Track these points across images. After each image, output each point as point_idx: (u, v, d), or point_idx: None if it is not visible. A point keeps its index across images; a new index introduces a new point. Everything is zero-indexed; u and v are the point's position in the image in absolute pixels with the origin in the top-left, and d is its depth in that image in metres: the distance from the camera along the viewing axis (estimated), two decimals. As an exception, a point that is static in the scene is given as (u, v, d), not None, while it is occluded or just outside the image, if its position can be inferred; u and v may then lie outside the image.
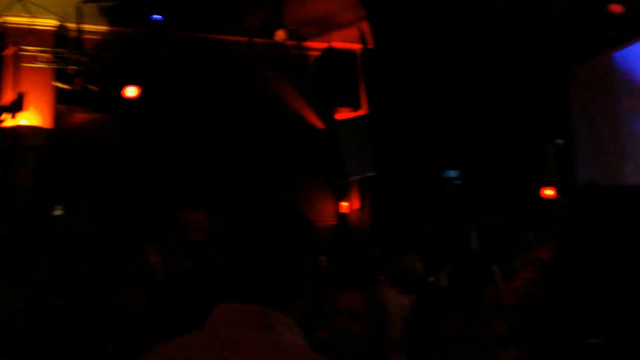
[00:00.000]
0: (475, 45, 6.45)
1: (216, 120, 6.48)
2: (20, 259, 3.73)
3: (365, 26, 7.28)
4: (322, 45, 7.22)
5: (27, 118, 6.03)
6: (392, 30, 6.76)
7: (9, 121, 5.98)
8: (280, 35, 6.77)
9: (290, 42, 7.00)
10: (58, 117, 6.21)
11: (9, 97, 6.06)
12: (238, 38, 6.94)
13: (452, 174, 6.97)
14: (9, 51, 6.13)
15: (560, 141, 6.74)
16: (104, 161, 5.99)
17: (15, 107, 5.97)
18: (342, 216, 7.10)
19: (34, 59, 5.97)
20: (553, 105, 6.93)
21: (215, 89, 6.52)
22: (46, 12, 6.05)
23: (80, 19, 5.84)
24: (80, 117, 6.23)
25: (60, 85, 5.91)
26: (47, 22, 6.21)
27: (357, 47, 7.35)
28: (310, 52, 7.40)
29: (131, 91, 5.99)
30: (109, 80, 5.88)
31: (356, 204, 7.07)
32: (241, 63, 6.84)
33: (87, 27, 6.09)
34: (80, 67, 5.85)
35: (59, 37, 6.24)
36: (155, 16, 6.03)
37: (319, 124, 7.31)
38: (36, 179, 5.91)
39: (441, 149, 6.77)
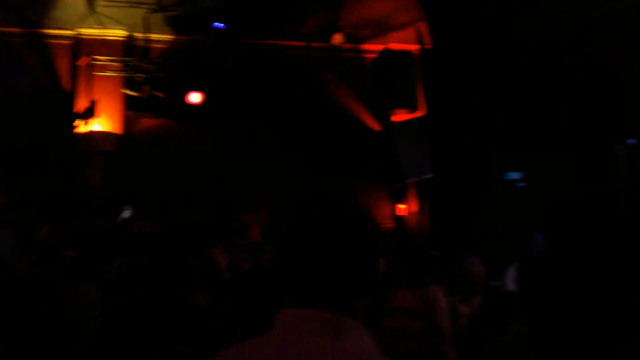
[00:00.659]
0: (539, 42, 6.23)
1: (275, 124, 6.61)
2: (94, 257, 3.95)
3: (422, 27, 7.20)
4: (379, 47, 7.21)
5: (99, 124, 6.38)
6: (450, 30, 6.65)
7: (82, 127, 6.37)
8: (337, 38, 6.83)
9: (347, 46, 7.04)
10: (127, 123, 6.54)
11: (82, 104, 6.44)
12: (296, 43, 7.04)
13: (515, 175, 6.75)
14: (82, 61, 6.51)
15: (633, 141, 6.38)
16: (169, 164, 6.23)
17: (88, 114, 6.34)
18: (399, 219, 7.03)
19: (105, 68, 6.31)
20: (623, 104, 6.58)
21: (274, 93, 6.65)
22: (116, 23, 6.39)
23: (147, 29, 6.13)
24: (147, 122, 6.52)
25: (129, 92, 6.24)
26: (117, 33, 6.55)
27: (414, 48, 7.27)
28: (367, 55, 7.41)
29: (195, 97, 6.22)
30: (174, 87, 6.13)
31: (414, 206, 6.98)
32: (299, 67, 6.93)
33: (153, 36, 6.40)
34: (147, 75, 6.15)
35: (127, 46, 6.58)
36: (216, 24, 6.23)
37: (376, 126, 7.29)
38: (107, 181, 6.24)
39: (502, 149, 6.58)
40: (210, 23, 6.21)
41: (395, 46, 7.15)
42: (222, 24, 6.24)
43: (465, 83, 6.52)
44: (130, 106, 6.29)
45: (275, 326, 0.96)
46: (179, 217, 5.45)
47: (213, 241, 3.81)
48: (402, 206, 6.93)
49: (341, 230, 0.99)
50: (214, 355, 0.99)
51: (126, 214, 5.56)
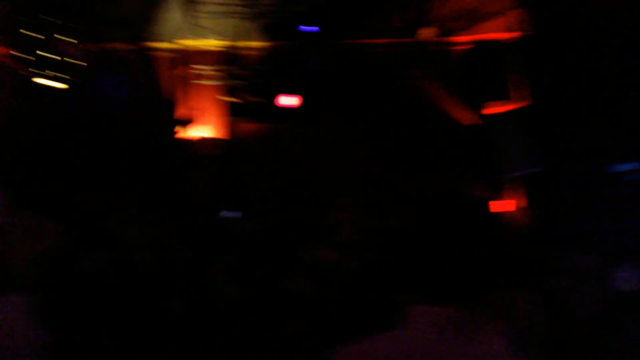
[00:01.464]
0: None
1: (366, 122, 6.63)
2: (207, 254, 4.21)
3: (518, 14, 6.88)
4: (470, 38, 6.99)
5: (201, 130, 6.77)
6: (549, 15, 6.30)
7: (183, 133, 6.79)
8: (426, 33, 6.71)
9: (436, 39, 6.90)
10: (227, 128, 6.88)
11: (182, 112, 6.86)
12: (384, 40, 7.01)
13: (629, 167, 6.25)
14: (181, 71, 6.94)
15: None
16: (268, 165, 6.47)
17: (188, 121, 6.75)
18: (499, 215, 6.77)
19: (203, 77, 6.69)
20: None
21: (364, 91, 6.67)
22: (212, 33, 6.73)
23: (242, 38, 6.39)
24: (245, 126, 6.82)
25: (227, 99, 6.57)
26: (213, 43, 6.89)
27: (508, 36, 6.96)
28: (458, 47, 7.20)
29: (288, 100, 6.41)
30: (269, 91, 6.36)
31: (517, 202, 6.69)
32: (388, 64, 6.90)
33: (248, 44, 6.67)
34: (243, 81, 6.44)
35: (225, 55, 6.92)
36: (306, 27, 6.36)
37: (470, 120, 7.07)
38: (212, 184, 6.62)
39: (614, 139, 6.12)
40: (300, 27, 6.36)
41: (487, 36, 6.89)
42: (312, 27, 6.37)
43: (569, 69, 6.14)
44: (231, 112, 6.62)
45: (404, 323, 0.95)
46: (278, 215, 5.65)
47: (314, 239, 3.92)
48: (503, 202, 6.66)
49: (468, 226, 0.99)
50: (345, 345, 0.99)
51: (231, 213, 5.84)
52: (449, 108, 7.12)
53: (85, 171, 5.81)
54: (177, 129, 6.77)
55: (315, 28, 6.21)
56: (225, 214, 5.77)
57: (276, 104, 6.38)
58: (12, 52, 4.90)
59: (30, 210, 1.38)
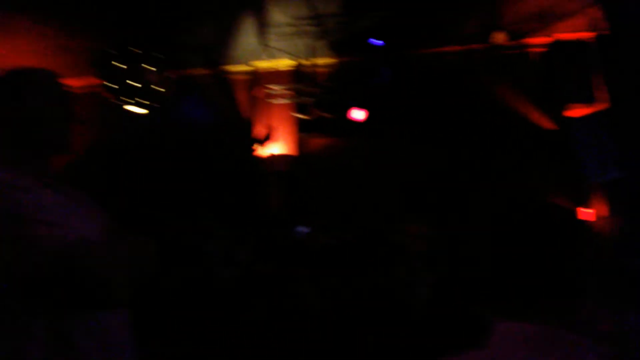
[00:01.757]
0: None
1: (438, 132, 6.56)
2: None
3: (595, 12, 6.55)
4: (546, 39, 6.74)
5: (276, 147, 7.02)
6: (628, 11, 5.95)
7: (261, 151, 7.06)
8: (499, 37, 6.55)
9: (509, 43, 6.72)
10: (300, 145, 7.08)
11: (259, 130, 7.14)
12: (454, 48, 6.93)
13: None
14: (258, 92, 7.24)
15: None
16: (338, 180, 6.57)
17: (265, 139, 7.02)
18: (582, 223, 6.41)
19: (277, 96, 6.95)
20: None
21: (435, 101, 6.60)
22: (285, 54, 6.98)
23: (312, 56, 6.58)
24: (317, 142, 6.99)
25: (299, 116, 6.77)
26: (286, 63, 7.14)
27: (586, 36, 6.65)
28: (532, 49, 6.97)
29: (357, 114, 6.49)
30: (339, 106, 6.48)
31: (601, 210, 6.31)
32: (459, 72, 6.80)
33: (318, 61, 6.85)
34: (314, 98, 6.62)
35: (295, 74, 7.15)
36: (374, 41, 6.42)
37: (549, 125, 6.79)
38: (285, 199, 6.82)
39: None
40: (370, 40, 6.44)
41: (564, 36, 6.62)
42: (380, 41, 6.42)
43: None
44: (302, 129, 6.81)
45: (491, 340, 0.91)
46: (349, 229, 5.71)
47: (389, 254, 3.92)
48: (587, 210, 6.31)
49: (557, 238, 0.94)
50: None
51: (303, 228, 5.98)
52: (527, 113, 6.89)
53: (169, 190, 6.19)
54: (254, 147, 7.06)
55: (381, 42, 6.25)
56: (299, 228, 5.91)
57: (347, 118, 6.48)
58: (103, 82, 5.35)
59: (126, 229, 1.53)
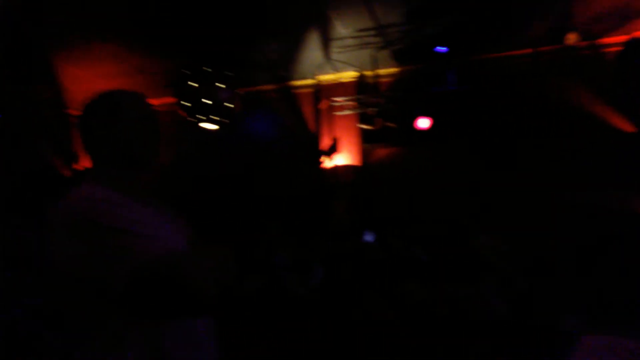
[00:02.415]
0: None
1: (508, 139, 6.38)
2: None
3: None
4: (622, 38, 6.39)
5: (341, 158, 7.09)
6: None
7: (327, 163, 7.16)
8: (571, 38, 6.29)
9: (582, 43, 6.43)
10: (364, 155, 7.11)
11: (325, 142, 7.24)
12: (522, 51, 6.72)
13: None
14: (323, 105, 7.35)
15: None
16: (404, 189, 6.53)
17: (331, 150, 7.10)
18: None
19: (342, 108, 7.03)
20: None
21: (503, 107, 6.43)
22: (348, 66, 7.06)
23: (375, 66, 6.61)
24: (381, 152, 6.99)
25: (364, 126, 6.81)
26: (349, 75, 7.23)
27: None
28: (608, 49, 6.63)
29: (423, 122, 6.44)
30: (404, 115, 6.46)
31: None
32: (528, 76, 6.59)
33: (381, 72, 6.88)
34: (378, 109, 6.64)
35: (359, 85, 7.21)
36: (439, 48, 6.36)
37: (628, 127, 6.42)
38: (352, 209, 6.86)
39: None
40: (433, 49, 6.39)
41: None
42: (444, 48, 6.35)
43: None
44: (366, 139, 6.85)
45: (579, 355, 0.89)
46: (417, 240, 5.65)
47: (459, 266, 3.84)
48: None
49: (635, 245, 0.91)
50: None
51: (369, 237, 5.98)
52: (604, 116, 6.56)
53: (240, 202, 6.41)
54: (322, 159, 7.17)
55: (446, 49, 6.17)
56: (366, 236, 5.92)
57: (412, 127, 6.44)
58: (178, 101, 5.65)
59: (205, 240, 1.63)
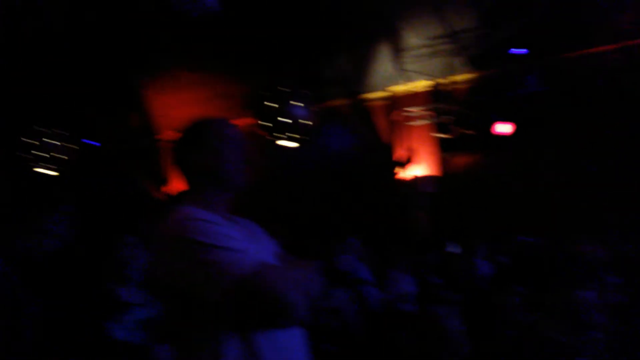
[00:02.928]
0: None
1: (596, 141, 6.02)
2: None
3: None
4: None
5: (418, 169, 7.02)
6: None
7: (402, 173, 7.11)
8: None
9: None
10: (443, 164, 7.00)
11: (400, 153, 7.21)
12: (607, 47, 6.34)
13: None
14: (396, 115, 7.34)
15: None
16: (486, 197, 6.33)
17: (406, 161, 7.06)
18: None
19: (416, 118, 6.97)
20: None
21: (591, 107, 6.09)
22: (421, 75, 7.01)
23: (449, 74, 6.52)
24: (460, 160, 6.85)
25: (440, 135, 6.71)
26: (422, 84, 7.17)
27: None
28: None
29: (503, 128, 6.24)
30: (482, 122, 6.29)
31: None
32: (616, 72, 6.19)
33: (456, 78, 6.75)
34: (454, 116, 6.52)
35: (433, 93, 7.13)
36: (516, 50, 6.16)
37: None
38: (432, 220, 6.76)
39: None
40: (509, 51, 6.20)
41: None
42: (522, 49, 6.14)
43: None
44: (444, 148, 6.73)
45: None
46: (505, 250, 5.44)
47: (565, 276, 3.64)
48: None
49: None
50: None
51: (454, 249, 5.85)
52: None
53: (320, 216, 6.52)
54: (396, 170, 7.14)
55: (525, 50, 5.96)
56: (449, 247, 5.79)
57: (492, 133, 6.26)
58: (257, 121, 5.89)
59: (292, 254, 1.71)
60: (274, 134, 5.54)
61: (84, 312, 1.96)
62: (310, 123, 5.60)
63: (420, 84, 7.19)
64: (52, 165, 6.75)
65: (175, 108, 7.88)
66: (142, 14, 5.20)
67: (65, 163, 6.85)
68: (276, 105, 5.44)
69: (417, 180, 6.99)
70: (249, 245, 1.41)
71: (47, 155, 6.69)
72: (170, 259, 1.35)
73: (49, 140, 6.72)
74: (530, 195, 6.19)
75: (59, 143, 6.77)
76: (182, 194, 2.60)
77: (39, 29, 5.49)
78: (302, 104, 5.46)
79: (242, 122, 7.54)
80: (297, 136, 5.55)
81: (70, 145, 6.95)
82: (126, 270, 2.06)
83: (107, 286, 2.06)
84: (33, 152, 6.65)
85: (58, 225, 1.95)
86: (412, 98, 7.19)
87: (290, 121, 5.38)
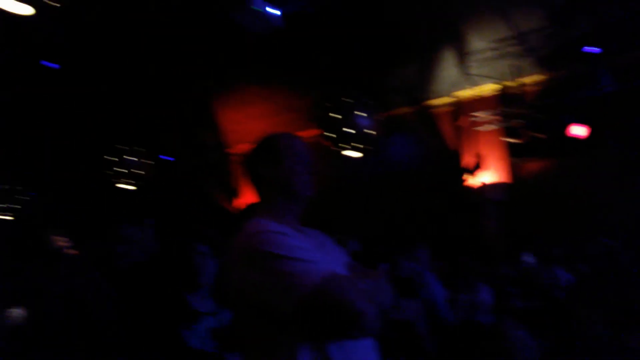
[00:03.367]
0: None
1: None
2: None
3: None
4: None
5: (487, 175, 6.82)
6: None
7: (471, 180, 6.92)
8: None
9: None
10: (513, 170, 6.76)
11: (467, 159, 7.03)
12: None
13: None
14: (463, 121, 7.17)
15: None
16: (563, 204, 6.04)
17: (474, 167, 6.86)
18: None
19: (483, 123, 6.77)
20: None
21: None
22: (487, 79, 6.83)
23: (517, 76, 6.29)
24: (532, 166, 6.58)
25: (509, 140, 6.48)
26: (489, 88, 6.98)
27: None
28: None
29: (578, 130, 5.94)
30: (553, 124, 6.02)
31: None
32: None
33: (525, 80, 6.52)
34: (524, 120, 6.27)
35: (501, 97, 6.92)
36: (589, 49, 5.87)
37: None
38: (503, 228, 6.53)
39: None
40: (580, 50, 5.91)
41: None
42: (594, 48, 5.84)
43: None
44: (513, 153, 6.50)
45: None
46: (588, 259, 5.16)
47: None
48: None
49: None
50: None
51: (528, 259, 5.62)
52: None
53: (386, 226, 6.48)
54: (464, 177, 6.97)
55: (598, 49, 5.67)
56: (524, 257, 5.56)
57: (565, 136, 5.98)
58: (322, 132, 5.96)
59: (361, 264, 1.72)
60: (339, 144, 5.58)
61: (162, 320, 2.05)
62: (375, 132, 5.60)
63: (487, 88, 7.00)
64: (131, 180, 7.16)
65: (243, 123, 8.15)
66: (211, 32, 5.45)
67: (142, 178, 7.25)
68: (340, 116, 5.48)
69: (486, 187, 6.79)
70: (320, 256, 1.44)
71: (127, 171, 7.11)
72: (243, 271, 1.40)
73: (128, 157, 7.13)
74: (608, 201, 5.85)
75: (137, 159, 7.18)
76: (253, 206, 2.69)
77: (119, 56, 5.88)
78: (366, 114, 5.47)
79: (308, 133, 7.67)
80: (362, 146, 5.56)
81: (147, 161, 7.34)
82: (198, 278, 2.14)
83: (181, 295, 2.13)
84: (114, 168, 7.09)
85: (143, 236, 2.08)
86: (479, 103, 7.01)
87: (354, 131, 5.41)
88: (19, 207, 9.03)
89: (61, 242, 3.06)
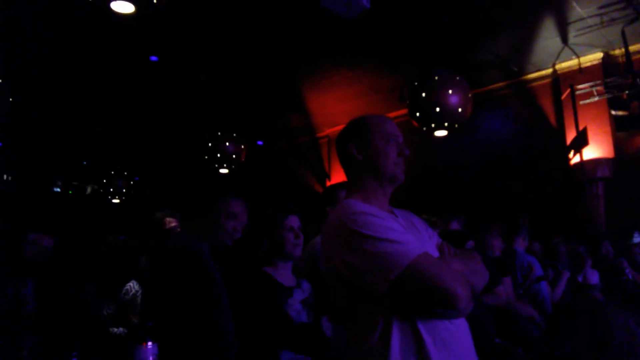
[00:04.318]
0: None
1: None
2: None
3: None
4: None
5: (590, 151, 6.35)
6: None
7: (574, 158, 6.47)
8: None
9: None
10: (619, 145, 6.25)
11: (572, 135, 6.57)
12: None
13: None
14: (564, 95, 6.71)
15: None
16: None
17: (580, 143, 6.40)
18: None
19: (587, 95, 6.27)
20: None
21: None
22: (590, 48, 6.32)
23: (624, 43, 5.75)
24: (639, 140, 6.05)
25: (615, 113, 5.96)
26: (593, 57, 6.47)
27: None
28: None
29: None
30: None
31: None
32: None
33: (633, 48, 5.95)
34: (633, 90, 5.73)
35: (606, 67, 6.39)
36: None
37: None
38: (610, 207, 6.08)
39: None
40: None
41: None
42: None
43: None
44: (620, 127, 5.99)
45: None
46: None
47: None
48: None
49: None
50: None
51: (638, 238, 5.21)
52: None
53: (476, 207, 6.27)
54: (567, 155, 6.55)
55: None
56: (634, 239, 5.15)
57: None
58: (410, 112, 5.84)
59: (450, 244, 1.71)
60: (430, 124, 5.44)
61: (260, 295, 2.11)
62: (466, 110, 5.39)
63: (591, 58, 6.49)
64: (225, 163, 7.50)
65: (329, 105, 8.20)
66: (298, 16, 5.51)
67: (235, 162, 7.57)
68: (430, 95, 5.33)
69: (588, 164, 6.33)
70: (411, 237, 1.45)
71: (220, 155, 7.45)
72: (335, 250, 1.44)
73: (222, 142, 7.47)
74: None
75: (230, 144, 7.49)
76: (333, 187, 2.72)
77: (214, 46, 6.15)
78: (456, 91, 5.27)
79: (394, 113, 7.57)
80: (453, 125, 5.39)
81: (240, 145, 7.64)
82: (284, 251, 2.19)
83: (264, 270, 2.19)
84: (210, 152, 7.46)
85: (243, 212, 2.19)
86: (582, 74, 6.52)
87: (444, 110, 5.24)
88: (125, 191, 9.84)
89: (173, 222, 3.32)
